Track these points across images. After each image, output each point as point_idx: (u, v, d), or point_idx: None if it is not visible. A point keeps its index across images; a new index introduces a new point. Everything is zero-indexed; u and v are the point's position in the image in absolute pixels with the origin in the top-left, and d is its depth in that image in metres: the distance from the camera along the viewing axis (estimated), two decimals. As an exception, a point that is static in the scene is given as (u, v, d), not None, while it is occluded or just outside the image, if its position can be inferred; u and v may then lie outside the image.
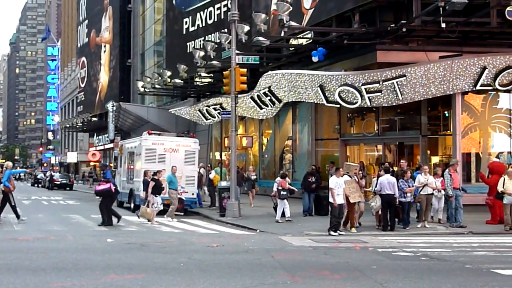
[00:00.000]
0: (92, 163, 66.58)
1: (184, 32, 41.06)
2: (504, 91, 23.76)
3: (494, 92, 24.09)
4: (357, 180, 17.86)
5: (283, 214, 20.08)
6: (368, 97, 23.43)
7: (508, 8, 22.39)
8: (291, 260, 12.23)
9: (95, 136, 70.34)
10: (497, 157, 23.76)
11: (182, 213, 22.76)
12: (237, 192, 22.35)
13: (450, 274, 10.78)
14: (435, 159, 26.11)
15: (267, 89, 27.60)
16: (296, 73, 25.73)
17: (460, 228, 17.82)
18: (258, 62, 28.12)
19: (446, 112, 25.49)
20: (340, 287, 9.53)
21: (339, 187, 16.78)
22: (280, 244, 15.00)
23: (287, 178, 21.34)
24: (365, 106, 24.20)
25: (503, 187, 17.67)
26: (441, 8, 19.94)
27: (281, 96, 27.20)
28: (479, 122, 24.70)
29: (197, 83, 37.87)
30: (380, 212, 17.79)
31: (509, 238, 16.52)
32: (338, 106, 25.17)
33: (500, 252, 13.64)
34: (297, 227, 18.38)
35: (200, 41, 37.35)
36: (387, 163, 21.98)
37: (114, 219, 19.22)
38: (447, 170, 18.58)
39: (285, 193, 19.99)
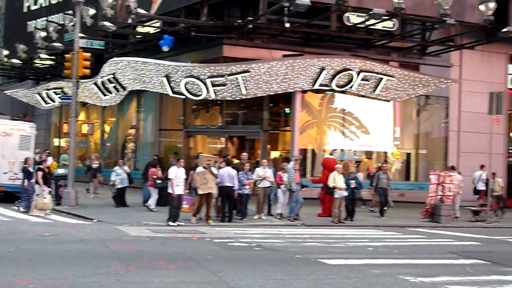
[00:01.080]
0: None
1: (25, 10, 38.90)
2: (340, 92, 25.16)
3: (331, 92, 25.43)
4: (212, 171, 17.66)
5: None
6: (213, 90, 23.71)
7: (346, 14, 23.77)
8: (127, 250, 12.07)
9: None
10: (331, 154, 25.11)
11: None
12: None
13: (281, 263, 11.22)
14: (275, 154, 27.04)
15: (111, 76, 26.95)
16: (142, 62, 25.37)
17: (295, 221, 18.60)
18: (103, 48, 27.39)
19: (286, 109, 26.48)
20: (175, 277, 9.56)
21: (179, 178, 16.81)
22: (117, 234, 14.74)
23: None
24: (210, 98, 24.47)
25: (333, 182, 18.71)
26: (285, 9, 20.70)
27: (126, 84, 26.69)
28: (316, 120, 25.97)
29: (37, 65, 36.13)
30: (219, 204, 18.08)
31: (337, 230, 17.58)
32: (183, 97, 25.22)
33: (328, 243, 14.43)
34: (136, 217, 18.16)
35: (43, 21, 35.57)
36: (228, 156, 22.38)
37: None
38: (291, 165, 19.15)
39: (160, 181, 19.67)
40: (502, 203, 24.28)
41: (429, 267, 11.62)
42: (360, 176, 23.02)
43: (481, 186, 24.17)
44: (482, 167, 24.34)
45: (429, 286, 9.76)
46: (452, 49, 27.30)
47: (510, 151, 30.18)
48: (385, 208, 21.25)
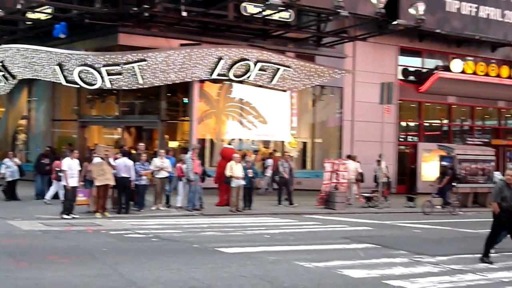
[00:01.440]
0: None
1: None
2: (238, 82, 25.31)
3: (229, 82, 25.52)
4: (109, 162, 17.24)
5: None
6: (109, 79, 23.15)
7: (243, 4, 23.92)
8: (18, 245, 11.59)
9: None
10: (229, 143, 25.22)
11: None
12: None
13: (179, 253, 11.19)
14: (173, 144, 26.83)
15: (0, 64, 25.70)
16: (33, 49, 24.29)
17: (194, 211, 18.54)
18: (-10, 34, 26.01)
19: (184, 99, 26.32)
20: (68, 271, 9.29)
21: (73, 170, 16.33)
22: (8, 228, 14.10)
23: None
24: (105, 88, 23.89)
25: (230, 171, 18.81)
26: (182, -3, 20.52)
27: (16, 72, 25.50)
28: (214, 110, 26.00)
29: None
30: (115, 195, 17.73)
31: (235, 218, 17.70)
32: (78, 86, 24.42)
33: (226, 232, 14.50)
34: (29, 211, 17.44)
35: None
36: (125, 147, 21.99)
37: None
38: (189, 155, 19.02)
39: (62, 174, 18.83)
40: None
41: (323, 252, 11.96)
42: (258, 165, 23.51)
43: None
44: (380, 156, 25.32)
45: (322, 270, 10.04)
46: (345, 40, 28.10)
47: (400, 139, 31.55)
48: (285, 197, 21.71)
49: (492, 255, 11.54)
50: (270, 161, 24.60)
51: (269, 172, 23.96)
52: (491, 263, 11.17)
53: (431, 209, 21.17)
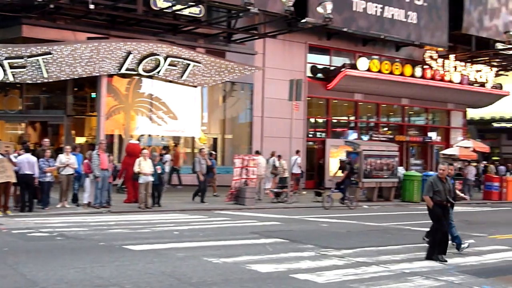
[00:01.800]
0: None
1: None
2: (147, 77, 24.97)
3: (138, 77, 25.13)
4: (10, 159, 16.55)
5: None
6: (11, 73, 22.19)
7: (152, -2, 23.58)
8: None
9: None
10: (139, 139, 24.87)
11: None
12: None
13: (84, 252, 10.91)
14: (80, 140, 26.17)
15: None
16: None
17: (102, 208, 18.12)
18: None
19: (92, 94, 25.70)
20: (-36, 272, 8.88)
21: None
22: None
23: None
24: (8, 81, 22.89)
25: (139, 168, 18.54)
26: (90, -11, 20.01)
27: None
28: (123, 105, 25.54)
29: None
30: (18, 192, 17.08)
31: (143, 215, 17.47)
32: (-22, 79, 23.33)
33: (134, 229, 14.28)
34: None
35: None
36: (28, 142, 21.21)
37: None
38: (95, 151, 18.57)
39: None
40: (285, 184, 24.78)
41: (232, 248, 12.00)
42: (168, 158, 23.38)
43: (296, 170, 25.89)
44: (297, 152, 26.04)
45: (231, 266, 10.07)
46: (255, 37, 28.32)
47: (309, 135, 32.16)
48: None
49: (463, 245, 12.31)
50: (168, 157, 24.40)
51: (167, 168, 23.58)
52: (445, 261, 11.14)
53: (331, 204, 21.57)
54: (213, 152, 25.38)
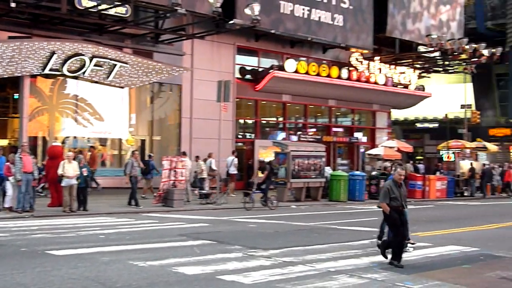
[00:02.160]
0: None
1: None
2: (72, 77, 24.40)
3: (63, 78, 24.53)
4: None
5: None
6: None
7: (77, -3, 23.07)
8: None
9: None
10: (63, 142, 24.29)
11: None
12: None
13: (5, 258, 10.57)
14: (2, 142, 25.34)
15: None
16: None
17: (24, 212, 17.56)
18: None
19: (15, 95, 24.92)
20: None
21: None
22: None
23: None
24: None
25: (62, 171, 18.10)
26: (10, -13, 19.39)
27: None
28: (47, 106, 24.91)
29: None
30: None
31: (68, 219, 17.01)
32: None
33: (57, 234, 13.91)
34: None
35: None
36: None
37: None
38: (18, 154, 17.98)
39: None
40: (199, 185, 24.31)
41: (159, 250, 11.89)
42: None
43: (233, 170, 26.34)
44: (233, 152, 26.32)
45: (157, 269, 9.98)
46: (183, 38, 28.13)
47: (238, 137, 32.24)
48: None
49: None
50: (81, 157, 23.74)
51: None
52: (402, 266, 10.90)
53: (252, 205, 21.66)
54: (152, 154, 25.12)
